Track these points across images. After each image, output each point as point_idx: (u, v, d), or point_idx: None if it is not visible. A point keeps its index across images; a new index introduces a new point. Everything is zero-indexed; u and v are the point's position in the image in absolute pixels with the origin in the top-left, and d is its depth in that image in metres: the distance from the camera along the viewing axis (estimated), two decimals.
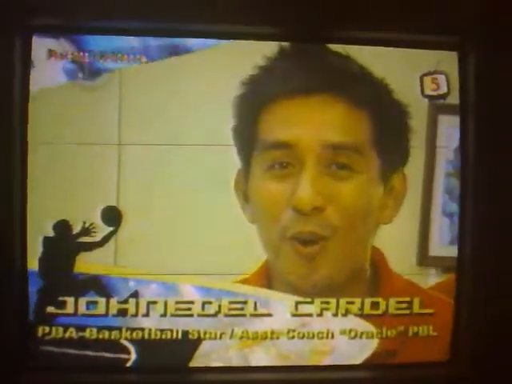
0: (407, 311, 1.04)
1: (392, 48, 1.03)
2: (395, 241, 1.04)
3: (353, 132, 1.01)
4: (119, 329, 1.01)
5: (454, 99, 1.05)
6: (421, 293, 1.05)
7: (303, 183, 0.99)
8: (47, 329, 1.00)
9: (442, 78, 1.04)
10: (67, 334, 1.00)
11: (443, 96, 1.05)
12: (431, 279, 1.05)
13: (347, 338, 1.04)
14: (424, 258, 1.05)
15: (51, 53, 0.99)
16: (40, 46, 0.99)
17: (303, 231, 1.00)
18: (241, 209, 1.02)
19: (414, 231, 1.05)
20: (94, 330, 1.01)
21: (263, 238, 1.02)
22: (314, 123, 1.00)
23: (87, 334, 1.00)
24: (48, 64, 0.99)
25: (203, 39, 1.01)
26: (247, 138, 1.01)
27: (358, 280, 1.04)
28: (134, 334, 1.01)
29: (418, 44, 1.04)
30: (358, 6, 1.00)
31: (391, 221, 1.03)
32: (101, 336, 1.01)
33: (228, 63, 1.02)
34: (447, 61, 1.04)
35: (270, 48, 1.02)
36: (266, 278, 1.03)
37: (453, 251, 1.05)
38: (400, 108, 1.03)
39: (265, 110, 1.01)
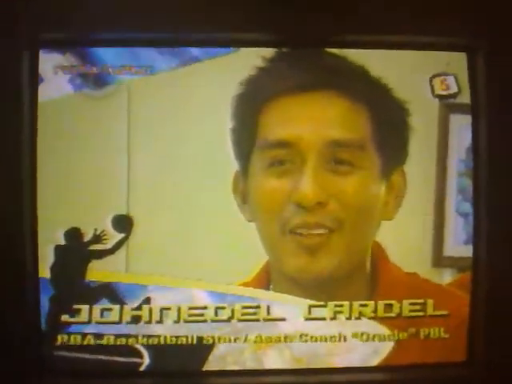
0: (421, 313, 1.03)
1: (401, 50, 1.03)
2: (409, 242, 1.03)
3: (354, 128, 1.01)
4: (134, 336, 1.01)
5: (465, 98, 1.04)
6: (427, 284, 1.04)
7: (305, 178, 0.99)
8: (64, 337, 1.00)
9: (451, 79, 1.04)
10: (84, 342, 1.01)
11: (454, 96, 1.04)
12: (446, 279, 1.04)
13: (360, 340, 1.03)
14: (439, 259, 1.04)
15: (59, 66, 1.01)
16: (48, 59, 1.01)
17: (308, 222, 0.99)
18: (239, 209, 1.02)
19: (428, 232, 1.04)
20: (111, 338, 1.01)
21: (263, 234, 1.02)
22: (314, 120, 1.00)
23: (103, 341, 1.01)
24: (56, 77, 1.01)
25: (211, 48, 1.02)
26: (247, 137, 1.02)
27: (358, 274, 1.04)
28: (150, 341, 1.01)
29: (426, 46, 1.03)
30: (365, 10, 1.00)
31: (393, 217, 1.03)
32: (115, 343, 1.01)
33: (236, 72, 1.02)
34: (456, 62, 1.04)
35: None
36: (267, 280, 1.03)
37: (468, 251, 1.04)
38: (399, 105, 1.03)
39: (264, 109, 1.01)
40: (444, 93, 1.04)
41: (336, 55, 1.03)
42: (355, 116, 1.01)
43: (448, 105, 1.04)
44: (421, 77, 1.04)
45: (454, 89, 1.04)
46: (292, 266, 1.01)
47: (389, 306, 1.03)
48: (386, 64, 1.03)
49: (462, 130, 1.04)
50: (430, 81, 1.04)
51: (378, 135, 1.02)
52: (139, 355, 1.01)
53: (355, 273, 1.03)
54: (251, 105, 1.02)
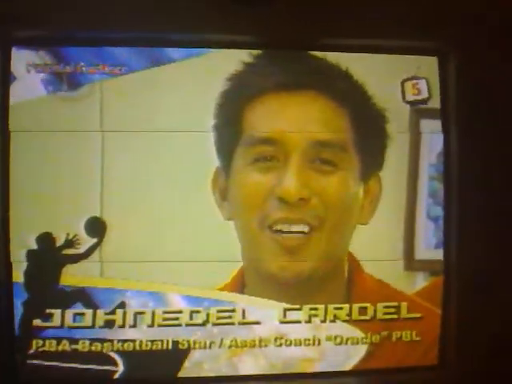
0: (395, 315, 1.05)
1: (373, 54, 1.05)
2: (381, 246, 1.05)
3: (337, 129, 1.03)
4: (108, 341, 1.00)
5: (436, 103, 1.06)
6: (399, 295, 1.06)
7: (289, 175, 1.01)
8: (38, 342, 0.99)
9: (422, 83, 1.06)
10: (53, 347, 0.99)
11: (424, 101, 1.06)
12: (419, 284, 1.06)
13: (333, 343, 1.04)
14: (411, 263, 1.05)
15: (32, 65, 0.99)
16: (20, 58, 0.99)
17: (289, 218, 1.01)
18: (217, 207, 1.02)
19: (400, 236, 1.05)
20: (85, 343, 1.00)
21: (242, 231, 1.02)
22: (299, 119, 1.02)
23: (75, 346, 0.99)
24: (29, 76, 0.99)
25: (185, 49, 1.02)
26: (230, 134, 1.03)
27: (335, 278, 1.05)
28: (124, 346, 1.00)
29: (398, 50, 1.05)
30: (339, 15, 1.01)
31: (368, 222, 1.04)
32: (88, 348, 1.00)
33: (210, 73, 1.02)
34: (427, 66, 1.06)
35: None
36: (241, 285, 1.03)
37: (439, 254, 1.05)
38: (378, 112, 1.05)
39: (250, 106, 1.03)
40: (415, 98, 1.05)
41: (318, 57, 1.04)
42: (338, 117, 1.04)
43: (419, 110, 1.06)
44: (393, 81, 1.05)
45: (424, 94, 1.06)
46: (273, 264, 1.02)
47: (363, 309, 1.04)
48: (362, 68, 1.04)
49: (432, 135, 1.06)
50: (402, 85, 1.05)
51: (358, 139, 1.04)
52: (113, 363, 1.00)
53: (332, 276, 1.04)
54: (236, 102, 1.03)
